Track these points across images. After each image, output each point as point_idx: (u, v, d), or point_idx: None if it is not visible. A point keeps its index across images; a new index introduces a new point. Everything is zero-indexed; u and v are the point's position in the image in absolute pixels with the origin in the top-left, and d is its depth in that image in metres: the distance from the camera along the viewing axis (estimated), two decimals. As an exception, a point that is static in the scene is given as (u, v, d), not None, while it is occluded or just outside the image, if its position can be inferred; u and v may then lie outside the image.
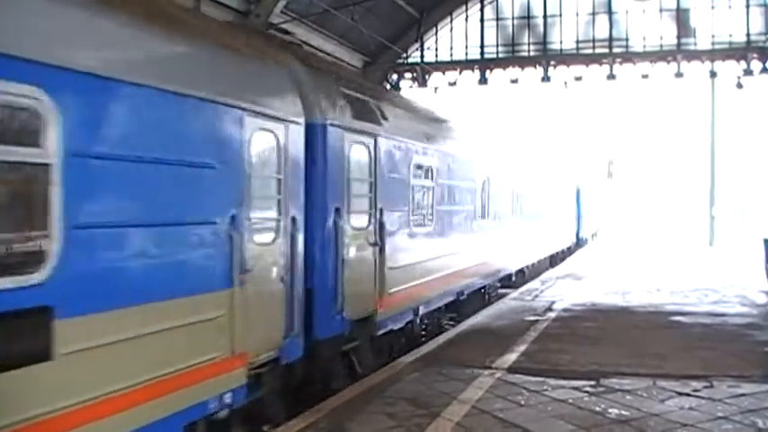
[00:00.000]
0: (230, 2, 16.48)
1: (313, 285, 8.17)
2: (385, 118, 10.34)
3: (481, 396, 8.20)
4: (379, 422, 7.31)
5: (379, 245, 9.74)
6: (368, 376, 9.35)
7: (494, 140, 19.08)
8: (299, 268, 7.76)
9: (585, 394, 8.27)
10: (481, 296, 16.43)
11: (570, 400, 8.01)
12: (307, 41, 19.00)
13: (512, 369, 9.51)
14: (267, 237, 7.35)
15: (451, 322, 14.21)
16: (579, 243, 36.14)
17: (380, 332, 9.98)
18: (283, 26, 17.47)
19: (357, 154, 9.37)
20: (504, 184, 18.22)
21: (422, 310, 11.75)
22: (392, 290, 10.18)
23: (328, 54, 20.22)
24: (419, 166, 11.80)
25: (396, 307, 10.43)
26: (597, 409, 7.70)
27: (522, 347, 10.94)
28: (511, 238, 18.88)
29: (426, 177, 12.21)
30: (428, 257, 11.95)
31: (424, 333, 12.53)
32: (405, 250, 10.90)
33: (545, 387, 8.57)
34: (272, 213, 7.47)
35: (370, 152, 9.67)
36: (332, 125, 8.61)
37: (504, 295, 17.65)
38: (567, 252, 31.96)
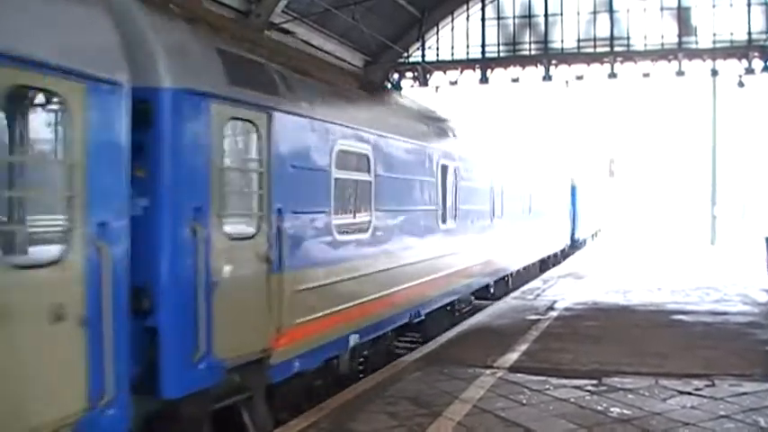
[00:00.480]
0: (231, 1, 16.49)
1: (158, 322, 5.86)
2: (289, 88, 7.74)
3: (483, 395, 8.20)
4: (381, 421, 7.31)
5: (277, 260, 7.22)
6: (368, 376, 9.35)
7: (465, 128, 15.65)
8: (118, 299, 5.28)
9: (587, 393, 8.26)
10: (449, 313, 13.80)
11: (572, 399, 8.00)
12: (308, 41, 19.05)
13: (513, 368, 9.51)
14: (42, 254, 5.00)
15: (412, 345, 12.03)
16: (575, 245, 33.58)
17: (280, 378, 7.47)
18: (284, 26, 17.53)
19: (237, 134, 7.10)
20: (478, 179, 15.33)
21: (354, 341, 9.15)
22: (300, 319, 7.67)
23: (329, 53, 20.25)
24: (347, 154, 9.12)
25: (307, 342, 7.86)
26: (599, 408, 7.69)
27: (524, 346, 10.93)
28: (487, 243, 15.99)
29: (360, 169, 9.54)
30: (363, 272, 9.37)
31: (361, 368, 10.02)
32: (323, 265, 8.32)
33: (547, 386, 8.57)
34: (53, 218, 5.14)
35: (260, 132, 7.10)
36: (188, 91, 6.15)
37: (482, 307, 15.38)
38: (561, 255, 29.45)
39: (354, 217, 9.42)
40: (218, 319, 6.33)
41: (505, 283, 18.77)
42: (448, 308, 13.55)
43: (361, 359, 10.01)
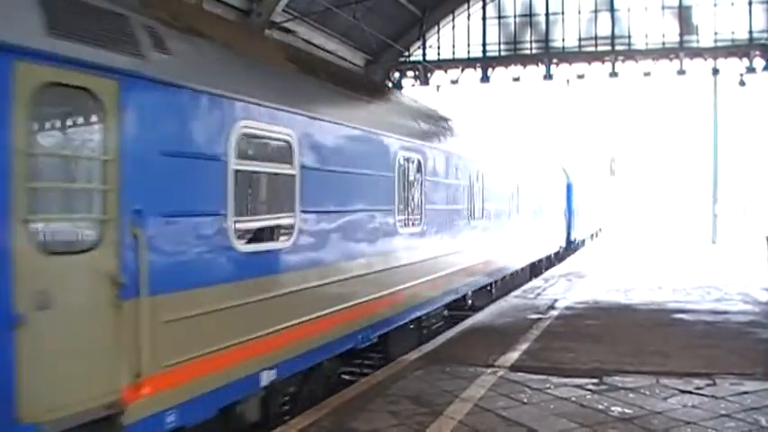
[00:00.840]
0: (232, 0, 16.51)
1: None
2: (160, 47, 5.79)
3: (484, 394, 8.20)
4: (382, 420, 7.31)
5: (132, 280, 5.31)
6: (370, 375, 9.36)
7: (436, 117, 13.50)
8: None
9: (588, 392, 8.27)
10: (415, 330, 11.62)
11: (573, 398, 8.00)
12: (308, 40, 19.08)
13: (514, 367, 9.51)
14: None
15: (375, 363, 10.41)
16: (571, 246, 31.51)
17: None
18: (285, 25, 17.55)
19: (64, 106, 5.32)
20: (452, 175, 13.16)
21: (268, 379, 7.08)
22: (174, 360, 5.79)
23: (330, 53, 20.27)
24: (256, 140, 7.12)
25: (188, 388, 5.97)
26: (600, 407, 7.69)
27: (525, 345, 10.94)
28: (464, 248, 13.75)
29: (278, 159, 7.49)
30: (283, 290, 7.32)
31: (286, 407, 8.03)
32: (215, 284, 6.32)
33: (548, 385, 8.57)
34: None
35: (104, 105, 5.16)
36: None
37: (461, 318, 13.73)
38: (556, 258, 27.37)
39: (268, 221, 7.44)
40: (26, 369, 4.59)
41: (488, 292, 16.63)
42: (412, 326, 11.36)
43: (285, 399, 7.99)
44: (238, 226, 6.65)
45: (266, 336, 7.01)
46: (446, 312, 13.36)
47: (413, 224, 11.07)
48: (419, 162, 11.28)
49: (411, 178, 11.06)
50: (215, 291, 6.31)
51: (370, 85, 12.31)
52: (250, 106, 6.81)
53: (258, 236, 7.18)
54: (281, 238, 7.47)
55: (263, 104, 7.00)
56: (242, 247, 6.70)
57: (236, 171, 6.57)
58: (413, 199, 11.14)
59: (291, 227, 7.54)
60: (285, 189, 7.53)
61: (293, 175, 7.55)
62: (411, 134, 11.13)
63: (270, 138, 7.28)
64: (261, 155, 7.30)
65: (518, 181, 19.56)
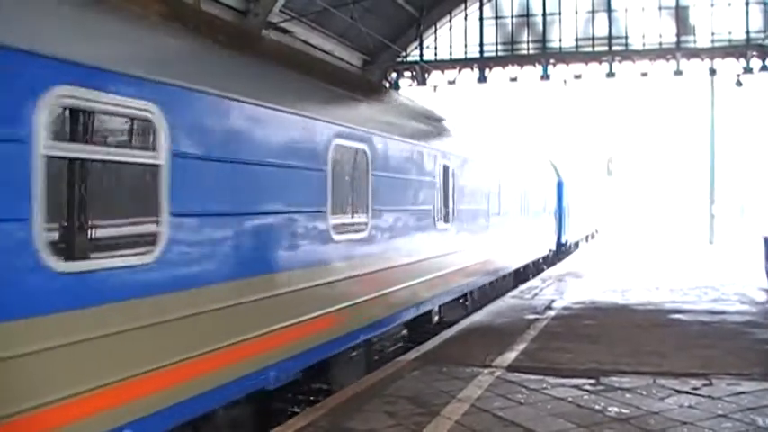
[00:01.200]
0: (230, 1, 16.53)
1: None
2: None
3: (481, 395, 8.19)
4: (379, 420, 7.31)
5: None
6: (368, 374, 9.35)
7: (384, 100, 11.69)
8: None
9: (585, 392, 8.26)
10: (361, 357, 9.75)
11: (570, 399, 8.00)
12: (306, 40, 19.11)
13: (511, 367, 9.51)
14: None
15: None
16: (563, 249, 30.02)
17: None
18: (282, 25, 17.57)
19: None
20: (413, 171, 11.13)
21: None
22: (29, 405, 4.37)
23: (327, 53, 20.30)
24: (89, 115, 4.94)
25: None
26: (597, 407, 7.69)
27: (522, 346, 10.94)
28: (427, 256, 11.67)
29: (125, 143, 5.41)
30: (136, 323, 5.25)
31: None
32: (8, 320, 4.35)
33: (545, 385, 8.57)
34: None
35: None
36: None
37: (425, 339, 11.74)
38: (545, 262, 25.74)
39: (112, 228, 5.30)
40: None
41: (463, 305, 14.56)
42: (355, 352, 9.48)
43: None
44: (55, 236, 4.66)
45: (116, 383, 5.08)
46: (405, 332, 11.77)
47: (355, 229, 9.04)
48: (365, 154, 9.21)
49: (352, 173, 9.04)
50: (9, 329, 4.33)
51: (293, 54, 10.09)
52: (75, 68, 4.77)
53: (97, 249, 5.04)
54: (139, 250, 5.39)
55: (99, 67, 4.97)
56: (62, 265, 4.67)
57: (50, 158, 4.54)
58: (355, 199, 9.13)
59: (156, 235, 5.52)
60: (144, 185, 5.55)
61: (158, 166, 5.51)
62: (352, 119, 9.03)
63: (114, 113, 5.16)
64: (98, 136, 5.11)
65: (499, 179, 17.48)
